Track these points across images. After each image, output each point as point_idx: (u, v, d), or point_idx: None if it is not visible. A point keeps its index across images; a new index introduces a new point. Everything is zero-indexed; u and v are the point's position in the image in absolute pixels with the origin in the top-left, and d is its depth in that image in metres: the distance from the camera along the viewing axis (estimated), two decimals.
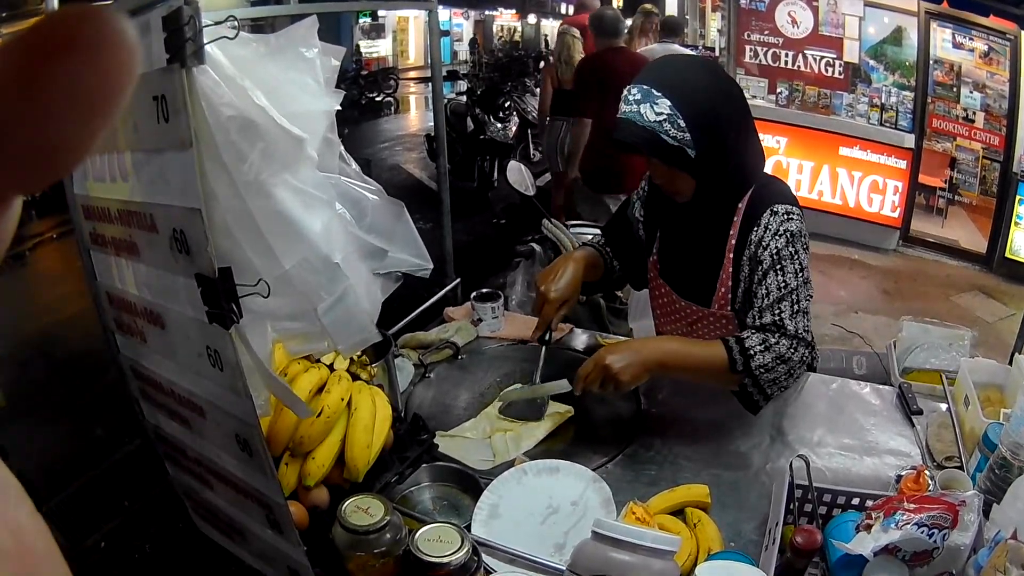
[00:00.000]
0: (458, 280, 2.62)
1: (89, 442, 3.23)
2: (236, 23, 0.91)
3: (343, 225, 1.11)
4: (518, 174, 2.78)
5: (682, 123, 1.55)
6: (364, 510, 1.26)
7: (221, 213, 1.01)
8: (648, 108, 1.56)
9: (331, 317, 1.12)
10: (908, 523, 1.14)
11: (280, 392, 1.16)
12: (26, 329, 4.94)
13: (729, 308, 1.76)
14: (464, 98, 8.07)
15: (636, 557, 1.09)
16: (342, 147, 1.17)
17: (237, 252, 1.03)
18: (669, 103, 1.55)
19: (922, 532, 1.14)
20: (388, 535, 1.25)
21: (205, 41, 0.91)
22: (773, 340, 1.60)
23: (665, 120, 1.55)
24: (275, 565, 1.35)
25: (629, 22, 5.44)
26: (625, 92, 1.63)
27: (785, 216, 1.66)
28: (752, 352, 1.59)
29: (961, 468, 1.57)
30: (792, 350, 1.60)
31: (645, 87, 1.58)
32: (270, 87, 1.01)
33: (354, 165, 1.20)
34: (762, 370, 1.60)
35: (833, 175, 5.96)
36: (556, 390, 1.83)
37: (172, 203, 1.02)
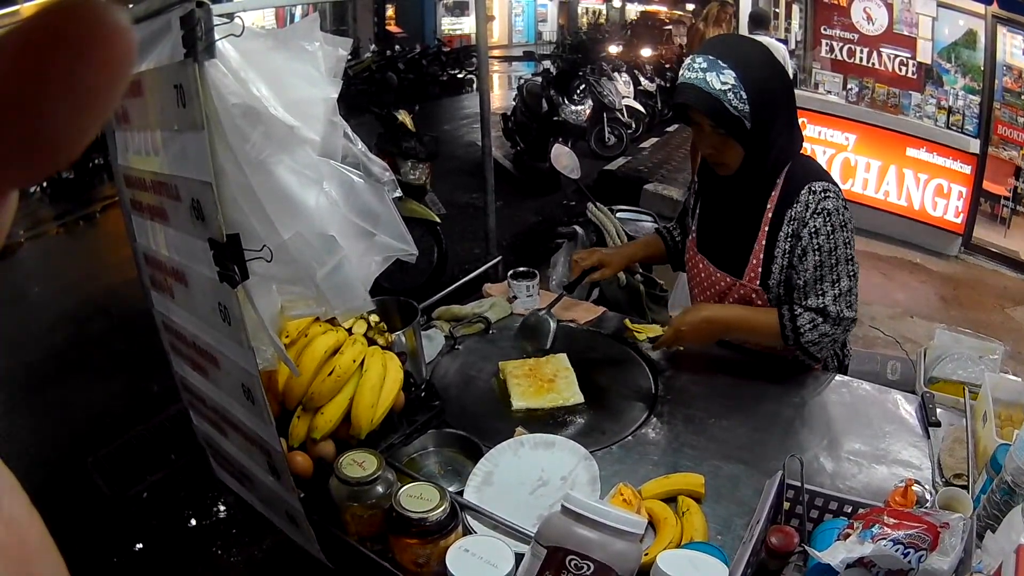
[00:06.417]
0: (499, 258, 2.68)
1: (142, 398, 3.45)
2: (242, 23, 1.04)
3: (331, 204, 1.22)
4: (566, 158, 2.81)
5: (744, 95, 1.65)
6: (359, 464, 1.36)
7: (229, 187, 1.13)
8: (714, 77, 1.65)
9: (327, 284, 1.23)
10: (884, 538, 1.09)
11: (276, 348, 1.28)
12: (88, 288, 5.24)
13: (759, 283, 1.84)
14: (540, 79, 8.08)
15: (597, 534, 1.11)
16: (347, 128, 1.27)
17: (244, 221, 1.15)
18: (734, 75, 1.64)
19: (897, 550, 1.07)
20: (379, 489, 1.35)
21: (216, 38, 1.04)
22: (820, 320, 1.76)
23: (730, 90, 1.65)
24: (276, 510, 1.48)
25: None
26: (689, 60, 1.72)
27: (823, 194, 1.73)
28: (802, 330, 1.79)
29: (967, 488, 1.48)
30: (835, 328, 1.79)
31: (711, 57, 1.67)
32: (274, 77, 1.13)
33: (360, 145, 1.30)
34: (810, 344, 1.81)
35: (900, 176, 5.74)
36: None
37: (190, 176, 1.15)
